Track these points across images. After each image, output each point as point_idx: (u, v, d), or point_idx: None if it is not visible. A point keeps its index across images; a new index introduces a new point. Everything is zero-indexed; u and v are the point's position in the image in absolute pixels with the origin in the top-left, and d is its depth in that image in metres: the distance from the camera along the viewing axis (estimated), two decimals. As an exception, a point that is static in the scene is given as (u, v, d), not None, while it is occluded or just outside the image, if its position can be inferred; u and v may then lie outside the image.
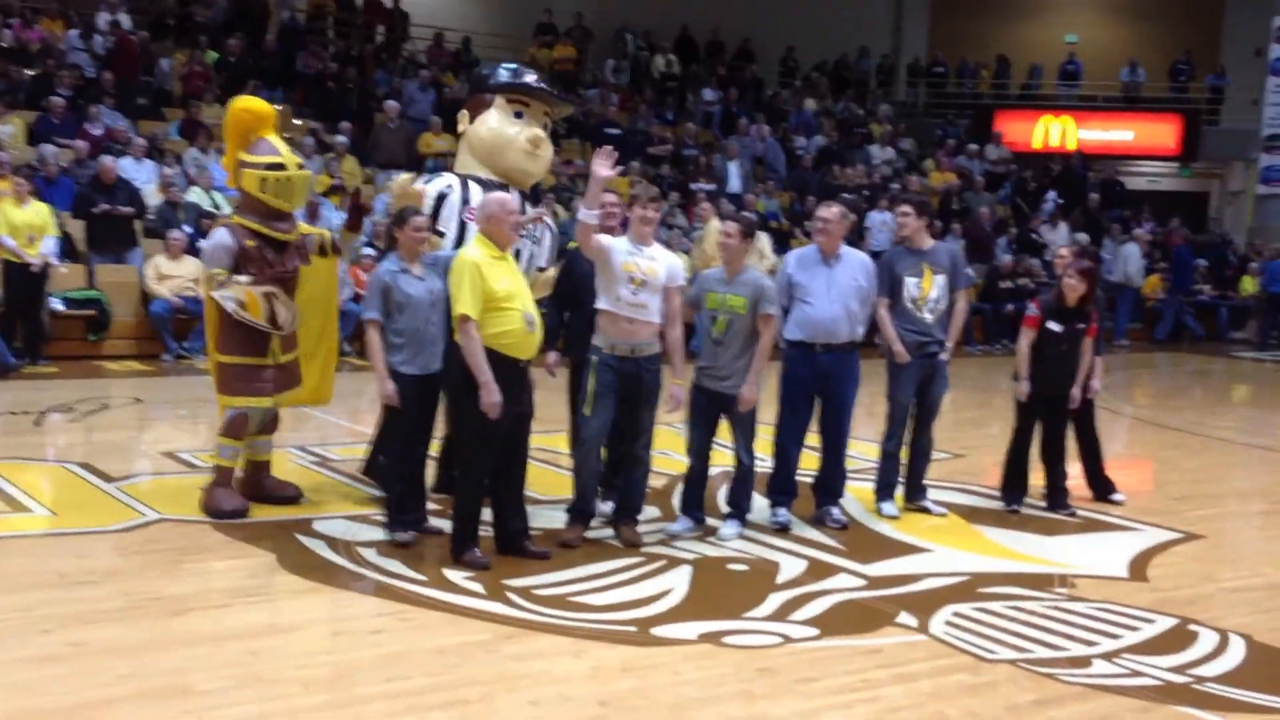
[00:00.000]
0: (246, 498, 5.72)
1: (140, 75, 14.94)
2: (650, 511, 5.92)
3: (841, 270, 5.76)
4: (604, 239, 5.32)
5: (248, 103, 5.83)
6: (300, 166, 5.74)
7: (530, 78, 6.19)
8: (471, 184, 5.83)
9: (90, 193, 11.45)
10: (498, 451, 5.06)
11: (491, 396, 4.82)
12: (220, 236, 5.63)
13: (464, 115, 6.14)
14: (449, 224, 5.75)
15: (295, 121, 15.45)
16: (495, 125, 5.96)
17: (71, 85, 13.75)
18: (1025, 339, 6.27)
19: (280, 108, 15.64)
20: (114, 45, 14.94)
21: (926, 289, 6.06)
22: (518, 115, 6.00)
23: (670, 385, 5.35)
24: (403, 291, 5.23)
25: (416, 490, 5.37)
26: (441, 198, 5.77)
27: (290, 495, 5.90)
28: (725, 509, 5.68)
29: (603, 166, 5.22)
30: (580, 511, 5.38)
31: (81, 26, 15.04)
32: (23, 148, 12.70)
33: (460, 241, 5.66)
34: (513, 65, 6.45)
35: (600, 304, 5.28)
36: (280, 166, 5.60)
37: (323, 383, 6.09)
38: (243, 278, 5.55)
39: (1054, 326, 6.20)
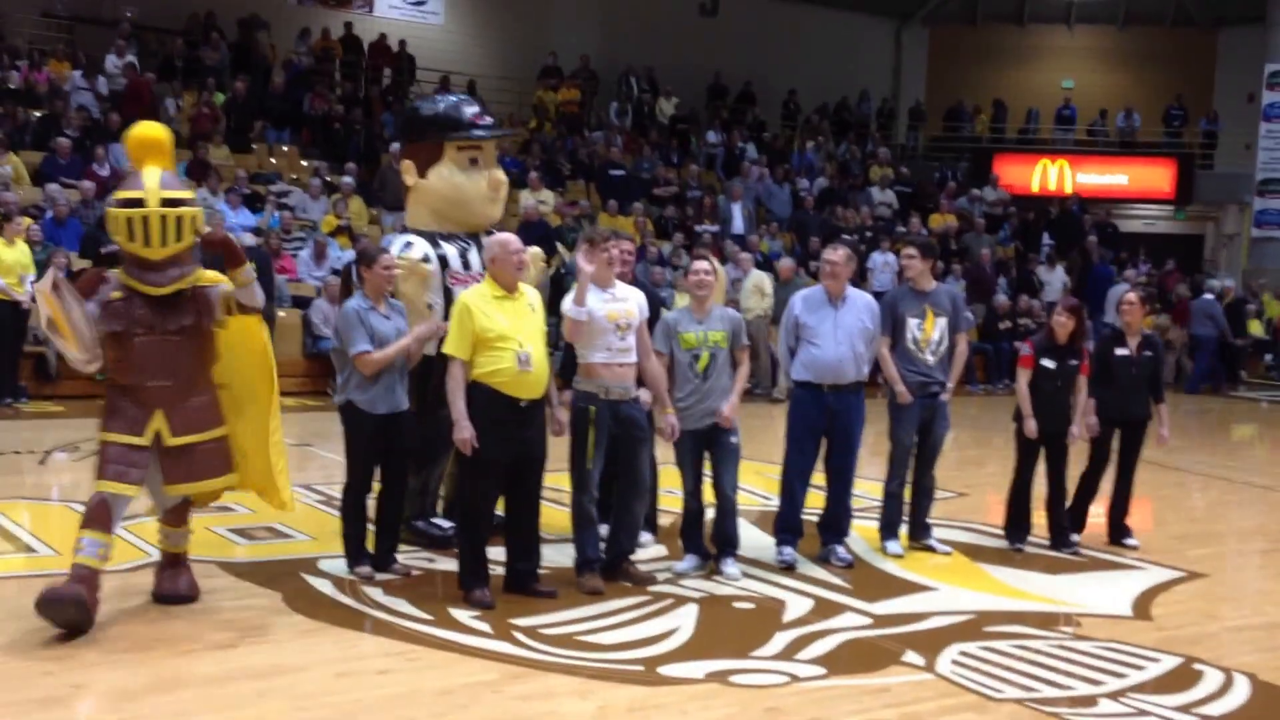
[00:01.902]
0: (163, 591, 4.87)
1: (149, 116, 15.08)
2: (657, 550, 5.94)
3: (847, 311, 5.82)
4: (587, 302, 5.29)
5: (136, 130, 4.83)
6: (176, 203, 4.66)
7: (471, 110, 5.92)
8: (443, 244, 5.75)
9: (98, 233, 11.52)
10: (506, 492, 5.09)
11: (461, 433, 4.87)
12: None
13: (409, 167, 5.85)
14: (436, 295, 5.67)
15: (303, 163, 15.62)
16: (454, 179, 5.77)
17: (78, 126, 13.89)
18: (1023, 378, 6.34)
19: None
20: (124, 87, 15.12)
21: (928, 331, 6.12)
22: (472, 162, 5.79)
23: (662, 417, 5.37)
24: (374, 328, 5.23)
25: (365, 529, 5.39)
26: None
27: (183, 595, 4.91)
28: (713, 549, 5.64)
29: (587, 263, 5.21)
30: (586, 561, 5.37)
31: (90, 69, 15.21)
32: (28, 188, 12.81)
33: (449, 308, 5.52)
34: (450, 100, 6.17)
35: (591, 358, 5.25)
36: (137, 203, 4.60)
37: (269, 483, 5.01)
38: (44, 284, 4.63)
39: (1048, 364, 6.28)
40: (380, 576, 5.33)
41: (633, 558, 5.52)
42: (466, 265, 5.79)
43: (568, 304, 5.22)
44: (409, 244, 5.78)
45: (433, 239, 5.78)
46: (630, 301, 5.34)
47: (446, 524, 5.96)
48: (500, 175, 5.91)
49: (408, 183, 5.92)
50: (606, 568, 5.38)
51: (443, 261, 5.72)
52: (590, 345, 5.25)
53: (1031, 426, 6.26)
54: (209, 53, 16.79)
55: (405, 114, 6.74)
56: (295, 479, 7.08)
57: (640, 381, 5.41)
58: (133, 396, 4.75)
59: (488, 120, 6.01)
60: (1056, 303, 6.63)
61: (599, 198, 16.52)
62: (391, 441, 5.34)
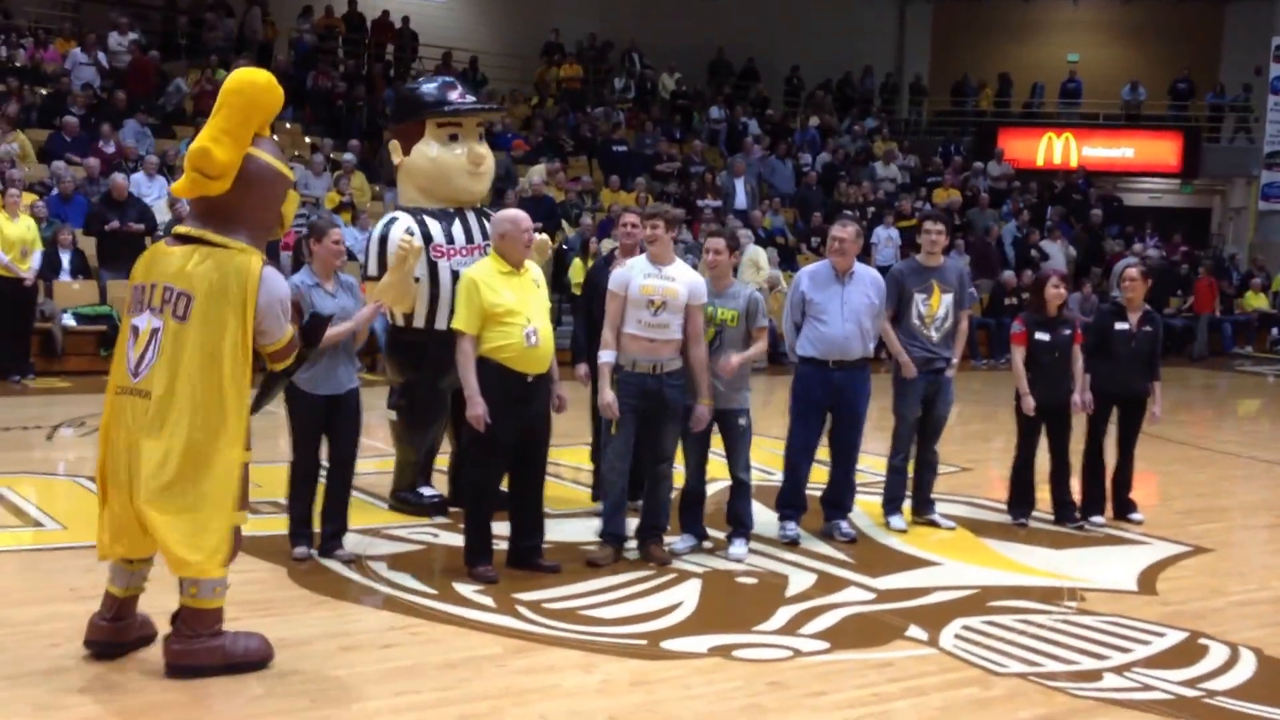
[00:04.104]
0: (108, 642, 4.04)
1: (154, 94, 15.10)
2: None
3: (854, 288, 5.80)
4: (619, 273, 5.33)
5: (272, 79, 3.98)
6: None
7: (455, 94, 6.04)
8: (427, 220, 5.82)
9: (102, 210, 11.54)
10: (509, 467, 5.10)
11: (475, 410, 4.87)
12: (283, 281, 4.01)
13: (395, 147, 6.00)
14: (420, 268, 5.71)
15: (306, 140, 15.63)
16: (433, 154, 5.88)
17: (84, 104, 13.89)
18: (1018, 355, 6.33)
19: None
20: (129, 64, 15.11)
21: (934, 307, 6.10)
22: (452, 138, 5.90)
23: (697, 405, 5.33)
24: (315, 306, 5.04)
25: (310, 510, 5.25)
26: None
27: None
28: (728, 527, 5.64)
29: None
30: (610, 534, 5.38)
31: (96, 47, 15.19)
32: (34, 165, 12.82)
33: (434, 281, 5.70)
34: (434, 82, 6.28)
35: (624, 329, 5.27)
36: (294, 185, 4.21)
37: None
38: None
39: (1042, 336, 6.27)
40: (324, 561, 5.17)
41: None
42: (451, 239, 5.86)
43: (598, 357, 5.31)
44: (393, 219, 5.89)
45: (418, 215, 5.87)
46: (677, 282, 5.28)
47: (429, 492, 6.07)
48: (480, 150, 5.96)
49: (395, 162, 6.05)
50: (638, 540, 5.42)
51: (426, 237, 5.78)
52: (625, 317, 5.27)
53: (1029, 403, 6.25)
54: (211, 35, 16.73)
55: (394, 98, 6.89)
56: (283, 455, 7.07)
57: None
58: None
59: (469, 99, 6.12)
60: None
61: (602, 173, 16.48)
62: (335, 423, 5.18)
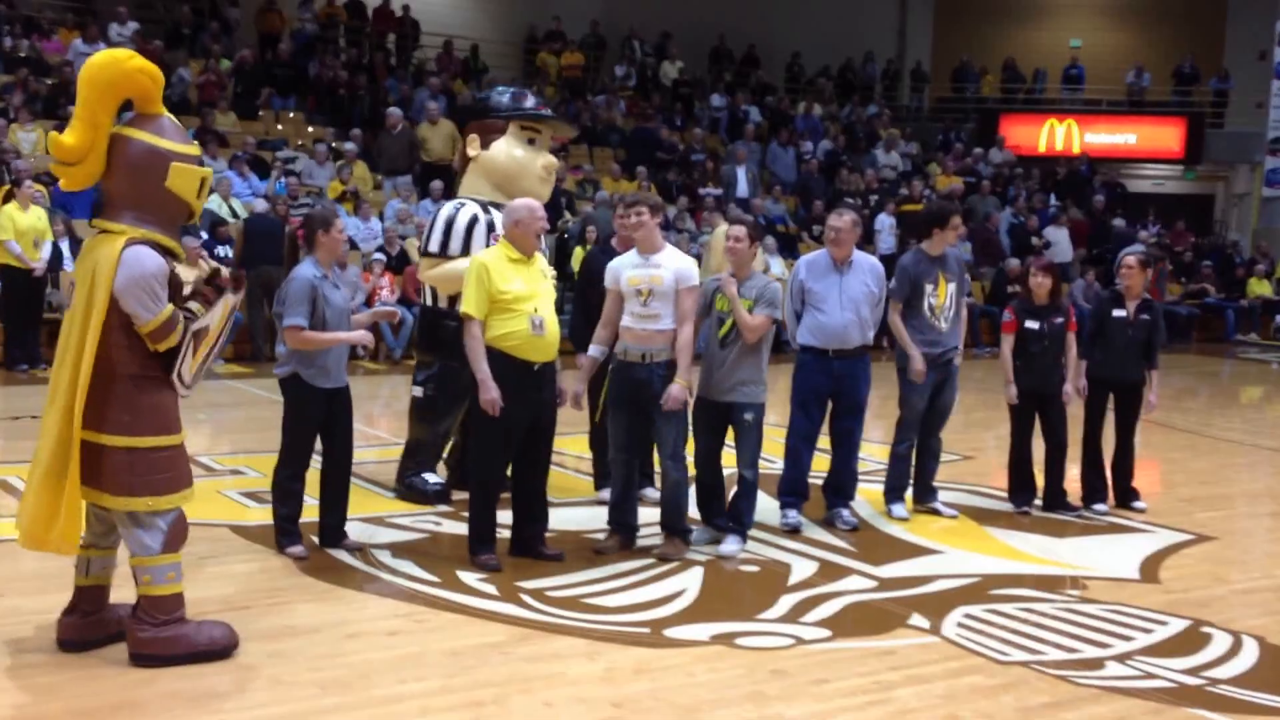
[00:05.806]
0: (69, 639, 4.04)
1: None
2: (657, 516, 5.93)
3: (853, 277, 5.80)
4: (610, 268, 5.37)
5: (142, 61, 3.90)
6: None
7: (531, 101, 6.44)
8: (493, 210, 6.05)
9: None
10: (515, 455, 5.11)
11: (488, 394, 4.88)
12: (149, 260, 3.80)
13: (474, 140, 6.28)
14: (479, 250, 5.83)
15: (308, 129, 15.61)
16: (513, 153, 6.19)
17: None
18: (1006, 344, 6.36)
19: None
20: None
21: (941, 297, 6.12)
22: (530, 142, 6.22)
23: (673, 384, 5.27)
24: (328, 300, 5.02)
25: (299, 508, 5.18)
26: (472, 225, 5.99)
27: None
28: (726, 523, 5.56)
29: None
30: (618, 523, 5.39)
31: (99, 38, 15.18)
32: (41, 156, 12.81)
33: None
34: (516, 89, 6.68)
35: (621, 320, 5.29)
36: (201, 161, 4.08)
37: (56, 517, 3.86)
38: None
39: (1032, 325, 6.28)
40: (329, 550, 5.18)
41: (642, 521, 5.51)
42: None
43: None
44: (461, 204, 6.11)
45: (485, 207, 6.09)
46: (663, 269, 5.24)
47: (432, 479, 6.12)
48: (553, 160, 6.31)
49: (470, 154, 6.29)
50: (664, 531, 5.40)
51: (490, 226, 5.99)
52: (622, 309, 5.32)
53: (1012, 393, 6.27)
54: (211, 43, 16.70)
55: (472, 100, 7.45)
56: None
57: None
58: (169, 386, 3.97)
59: (547, 110, 6.62)
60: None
61: (631, 160, 16.44)
62: (336, 416, 5.13)
